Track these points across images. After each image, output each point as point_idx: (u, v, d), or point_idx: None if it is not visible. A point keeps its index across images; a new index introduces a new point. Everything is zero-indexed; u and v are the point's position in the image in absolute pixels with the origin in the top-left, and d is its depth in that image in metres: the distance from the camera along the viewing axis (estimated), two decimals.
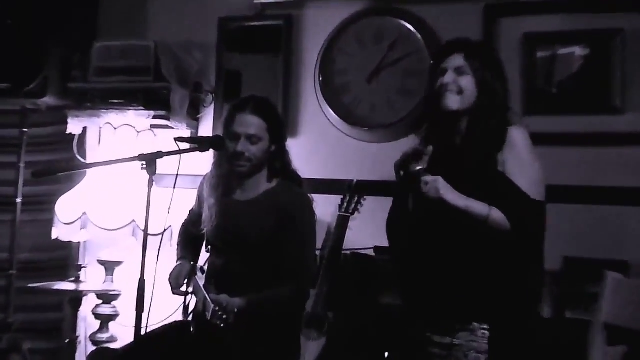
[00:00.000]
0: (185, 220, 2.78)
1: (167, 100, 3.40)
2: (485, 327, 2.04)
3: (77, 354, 3.48)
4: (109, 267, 3.52)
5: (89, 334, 3.52)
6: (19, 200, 3.73)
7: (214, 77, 3.62)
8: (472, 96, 2.13)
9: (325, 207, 2.90)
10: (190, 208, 2.75)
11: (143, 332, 2.15)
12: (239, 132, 2.46)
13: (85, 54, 3.54)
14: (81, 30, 3.64)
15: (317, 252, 2.89)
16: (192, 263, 2.60)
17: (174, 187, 2.25)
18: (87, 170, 3.46)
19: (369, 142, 3.40)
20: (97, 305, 3.50)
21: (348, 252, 3.05)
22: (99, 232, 3.32)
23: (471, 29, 3.06)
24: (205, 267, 2.62)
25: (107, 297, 3.48)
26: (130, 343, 2.35)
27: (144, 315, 2.09)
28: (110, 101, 3.44)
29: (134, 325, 2.10)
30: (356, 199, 3.06)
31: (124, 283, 3.47)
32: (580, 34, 3.02)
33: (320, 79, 3.44)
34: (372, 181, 3.18)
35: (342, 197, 3.09)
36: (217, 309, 2.25)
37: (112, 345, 3.39)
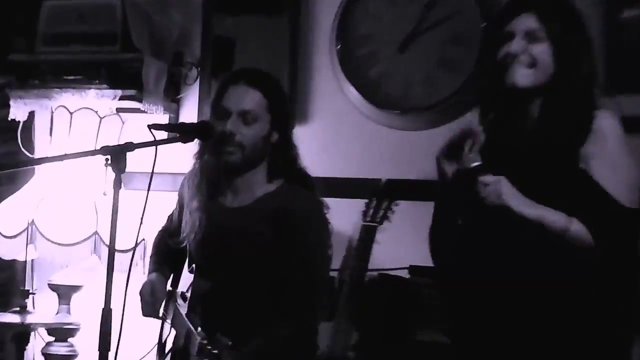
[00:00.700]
0: (162, 228, 2.82)
1: (138, 76, 3.39)
2: None
3: None
4: (64, 293, 3.52)
5: None
6: None
7: (199, 45, 3.63)
8: (548, 69, 2.13)
9: (344, 215, 2.90)
10: (169, 214, 2.78)
11: None
12: (229, 107, 2.48)
13: (31, 16, 3.53)
14: None
15: (334, 275, 2.95)
16: (172, 288, 2.64)
17: (149, 189, 2.20)
18: (36, 167, 3.46)
19: (401, 129, 3.40)
20: (48, 344, 3.49)
21: (375, 273, 3.08)
22: (51, 248, 3.32)
23: None
24: (188, 294, 2.67)
25: (61, 333, 3.47)
26: None
27: (110, 356, 2.08)
28: (65, 77, 3.43)
29: None
30: (385, 204, 3.07)
31: (84, 314, 3.46)
32: None
33: (338, 48, 3.44)
34: (406, 180, 3.20)
35: (366, 201, 3.10)
36: (204, 342, 2.25)
37: None
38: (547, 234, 2.04)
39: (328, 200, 2.59)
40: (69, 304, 3.52)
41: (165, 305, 2.63)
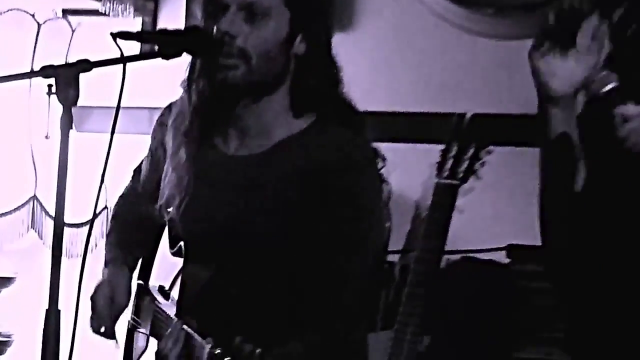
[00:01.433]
0: (125, 191, 2.80)
1: None
2: None
3: None
4: None
5: None
6: None
7: None
8: None
9: (408, 169, 3.02)
10: (136, 166, 2.76)
11: None
12: None
13: None
14: None
15: (394, 260, 3.00)
16: (142, 282, 2.68)
17: (112, 132, 2.13)
18: None
19: (495, 37, 3.47)
20: None
21: (457, 256, 3.11)
22: None
23: None
24: (175, 288, 2.60)
25: None
26: None
27: None
28: None
29: None
30: (471, 151, 3.08)
31: (18, 318, 3.52)
32: None
33: None
34: (503, 115, 3.25)
35: (442, 149, 3.12)
36: (219, 352, 2.20)
37: None
38: None
39: (384, 147, 2.48)
40: None
41: (134, 308, 2.65)
